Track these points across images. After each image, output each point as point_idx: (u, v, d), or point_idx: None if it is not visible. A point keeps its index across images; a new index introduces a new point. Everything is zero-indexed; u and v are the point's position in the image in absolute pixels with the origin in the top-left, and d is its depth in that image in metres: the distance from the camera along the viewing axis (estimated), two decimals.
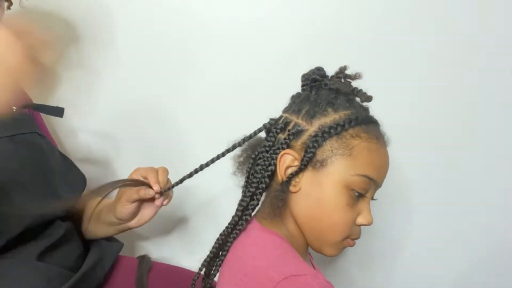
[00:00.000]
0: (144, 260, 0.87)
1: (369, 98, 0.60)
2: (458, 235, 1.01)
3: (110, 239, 0.83)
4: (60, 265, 0.67)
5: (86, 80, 1.02)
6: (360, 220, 0.58)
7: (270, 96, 0.96)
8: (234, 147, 0.64)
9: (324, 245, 0.59)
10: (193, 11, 0.97)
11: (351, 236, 0.59)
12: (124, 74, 1.01)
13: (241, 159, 0.65)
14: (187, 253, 1.05)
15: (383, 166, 0.59)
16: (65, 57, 1.01)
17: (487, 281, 1.03)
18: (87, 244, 0.79)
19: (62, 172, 0.74)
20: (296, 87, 0.95)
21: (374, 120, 0.61)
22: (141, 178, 0.70)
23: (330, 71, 0.94)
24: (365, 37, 0.94)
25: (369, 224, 0.59)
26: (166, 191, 0.71)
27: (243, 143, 0.64)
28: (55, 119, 1.00)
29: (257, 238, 0.58)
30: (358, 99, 0.61)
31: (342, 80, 0.61)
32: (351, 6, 0.93)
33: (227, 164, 0.89)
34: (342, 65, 0.61)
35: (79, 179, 0.79)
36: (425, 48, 0.94)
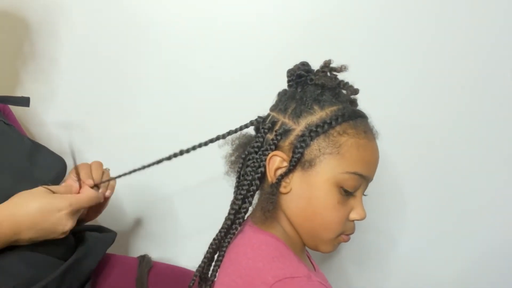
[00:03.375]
0: (144, 260, 0.87)
1: (355, 91, 0.59)
2: (455, 231, 1.01)
3: (102, 229, 0.84)
4: (48, 254, 0.67)
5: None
6: (353, 215, 0.58)
7: (261, 95, 0.96)
8: (217, 138, 0.62)
9: (319, 243, 0.59)
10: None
11: (345, 232, 0.59)
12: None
13: (232, 158, 0.64)
14: (188, 253, 1.06)
15: (372, 160, 0.58)
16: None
17: (485, 277, 1.02)
18: (80, 236, 0.79)
19: (33, 157, 0.73)
20: (282, 86, 0.95)
21: (362, 114, 0.59)
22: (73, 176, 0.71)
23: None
24: (359, 35, 0.94)
25: (362, 219, 0.58)
26: (100, 183, 0.72)
27: (227, 135, 0.62)
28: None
29: (252, 239, 0.58)
30: (345, 92, 0.60)
31: (328, 74, 0.59)
32: (350, 6, 0.93)
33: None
34: (327, 59, 0.60)
35: (55, 161, 0.77)
36: (422, 45, 0.93)
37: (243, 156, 0.61)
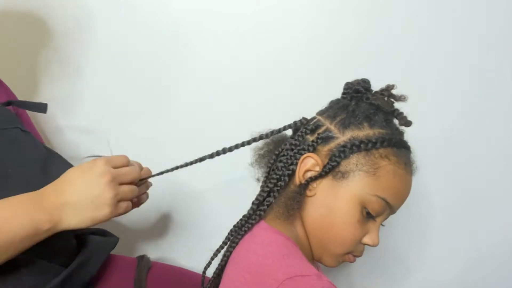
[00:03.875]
0: (143, 260, 0.86)
1: (408, 123, 0.58)
2: (455, 231, 1.01)
3: (105, 233, 0.83)
4: (49, 261, 0.65)
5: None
6: (366, 239, 0.58)
7: (266, 96, 0.97)
8: (261, 137, 0.62)
9: (325, 254, 0.59)
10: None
11: (353, 252, 0.59)
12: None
13: (262, 152, 0.64)
14: (187, 253, 1.05)
15: (403, 193, 0.58)
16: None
17: (485, 277, 1.02)
18: (82, 240, 0.77)
19: (47, 167, 0.72)
20: (290, 86, 0.95)
21: (407, 146, 0.60)
22: None
23: (326, 70, 0.94)
24: (360, 35, 0.94)
25: (374, 246, 0.59)
26: (140, 182, 0.70)
27: (271, 135, 0.62)
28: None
29: (263, 237, 0.58)
30: (396, 121, 0.60)
31: (386, 98, 0.59)
32: (347, 5, 0.93)
33: (229, 166, 0.89)
34: (391, 83, 0.60)
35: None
36: (425, 48, 0.94)
37: (277, 152, 0.61)
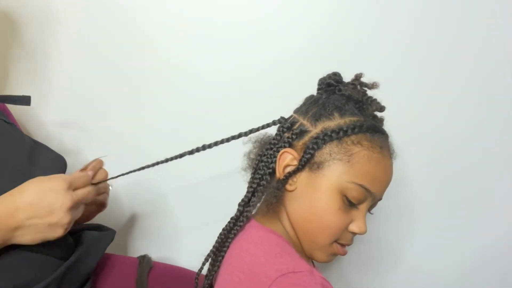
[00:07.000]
0: (144, 260, 0.87)
1: (381, 108, 0.59)
2: (457, 239, 1.01)
3: (101, 227, 0.83)
4: (47, 254, 0.66)
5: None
6: (352, 227, 0.58)
7: (266, 97, 0.97)
8: (239, 135, 0.63)
9: (314, 248, 0.60)
10: None
11: (340, 240, 0.59)
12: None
13: (251, 155, 0.66)
14: (188, 253, 1.06)
15: (383, 178, 0.58)
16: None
17: (485, 280, 1.03)
18: (79, 236, 0.77)
19: (33, 156, 0.72)
20: (293, 88, 0.96)
21: (382, 130, 0.60)
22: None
23: (320, 73, 0.94)
24: (365, 38, 0.94)
25: (361, 233, 0.59)
26: (99, 182, 0.69)
27: (249, 133, 0.63)
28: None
29: (255, 236, 0.59)
30: (370, 107, 0.60)
31: (358, 87, 0.60)
32: (351, 7, 0.94)
33: (228, 165, 0.90)
34: (358, 72, 0.61)
35: (55, 161, 0.76)
36: (427, 50, 0.94)
37: (260, 153, 0.62)
